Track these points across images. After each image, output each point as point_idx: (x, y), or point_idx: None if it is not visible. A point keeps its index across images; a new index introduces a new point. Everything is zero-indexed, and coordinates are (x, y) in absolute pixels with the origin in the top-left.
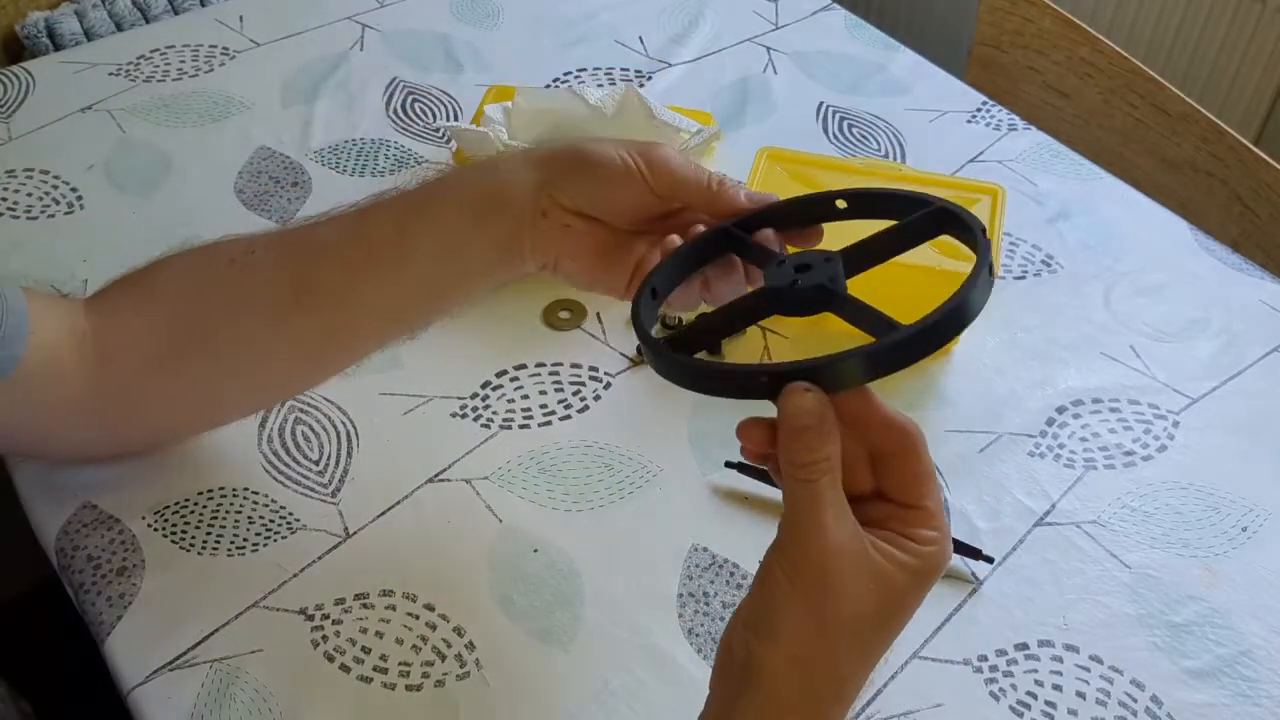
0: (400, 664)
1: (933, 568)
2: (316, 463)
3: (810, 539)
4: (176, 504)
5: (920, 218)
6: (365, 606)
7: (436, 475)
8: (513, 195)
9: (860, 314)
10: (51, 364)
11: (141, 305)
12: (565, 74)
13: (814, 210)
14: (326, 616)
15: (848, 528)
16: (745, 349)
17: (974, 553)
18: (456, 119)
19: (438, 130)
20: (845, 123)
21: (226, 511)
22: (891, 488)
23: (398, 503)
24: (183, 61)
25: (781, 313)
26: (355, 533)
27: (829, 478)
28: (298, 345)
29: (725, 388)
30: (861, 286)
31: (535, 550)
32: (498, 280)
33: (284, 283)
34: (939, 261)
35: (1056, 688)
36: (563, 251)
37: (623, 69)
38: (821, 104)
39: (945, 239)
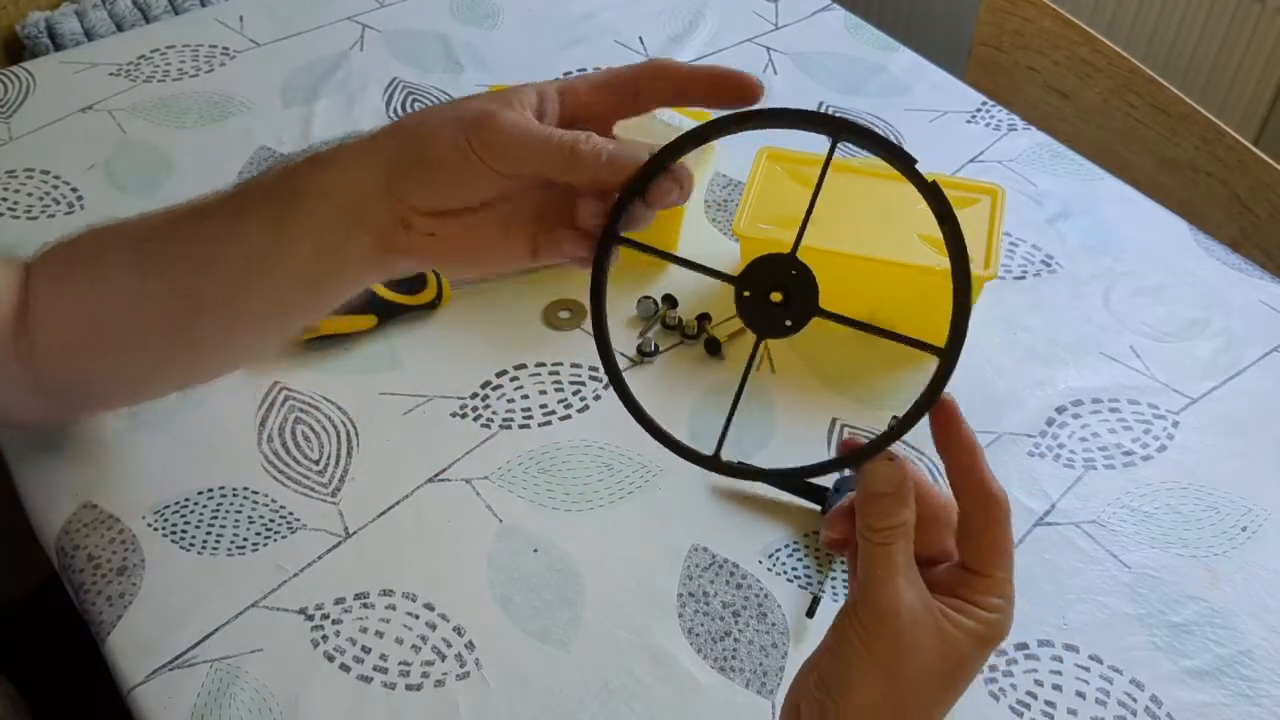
0: (400, 664)
1: (995, 635)
2: (316, 463)
3: (883, 601)
4: (176, 504)
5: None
6: (365, 606)
7: (436, 475)
8: (367, 212)
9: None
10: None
11: (60, 288)
12: (565, 74)
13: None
14: (326, 616)
15: (917, 592)
16: (745, 349)
17: None
18: None
19: None
20: None
21: (226, 511)
22: (968, 552)
23: (398, 503)
24: (183, 61)
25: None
26: (355, 532)
27: (903, 542)
28: (192, 345)
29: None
30: (858, 286)
31: (535, 550)
32: (378, 279)
33: (175, 281)
34: (938, 261)
35: (1056, 687)
36: (439, 258)
37: None
38: (821, 104)
39: (942, 239)
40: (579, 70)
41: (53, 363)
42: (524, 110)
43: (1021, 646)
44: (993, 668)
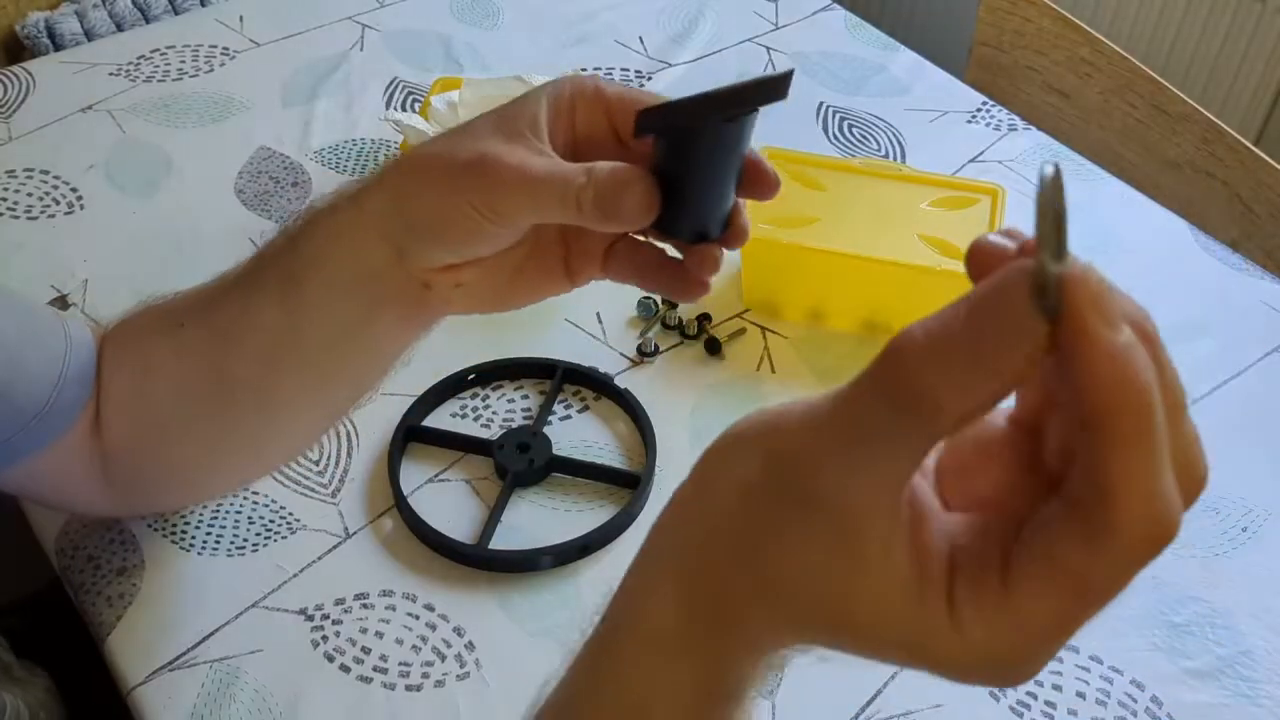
0: (400, 664)
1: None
2: (316, 463)
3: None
4: None
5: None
6: (365, 606)
7: (437, 475)
8: (381, 287)
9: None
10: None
11: (113, 372)
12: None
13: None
14: (326, 616)
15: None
16: (745, 349)
17: None
18: None
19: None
20: (845, 123)
21: (226, 511)
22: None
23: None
24: (183, 61)
25: None
26: (355, 533)
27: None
28: (235, 429)
29: None
30: (858, 286)
31: None
32: (418, 337)
33: (209, 362)
34: (938, 262)
35: (1056, 688)
36: (473, 306)
37: (623, 69)
38: (821, 104)
39: (942, 239)
40: (579, 70)
41: (115, 452)
42: (531, 139)
43: None
44: None
